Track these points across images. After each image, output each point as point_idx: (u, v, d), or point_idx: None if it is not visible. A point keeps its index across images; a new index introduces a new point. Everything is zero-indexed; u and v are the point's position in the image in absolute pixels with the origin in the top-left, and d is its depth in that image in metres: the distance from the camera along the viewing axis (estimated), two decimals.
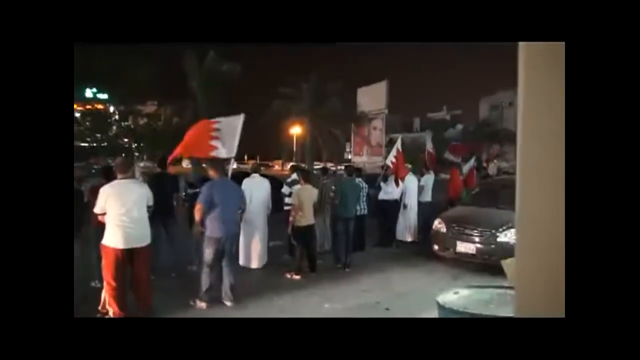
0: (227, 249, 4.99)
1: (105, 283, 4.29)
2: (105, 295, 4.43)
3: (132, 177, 4.69)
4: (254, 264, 6.56)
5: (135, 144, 21.94)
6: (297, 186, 6.60)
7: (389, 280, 6.30)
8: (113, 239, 4.19)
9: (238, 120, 5.73)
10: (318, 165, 16.00)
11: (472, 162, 11.51)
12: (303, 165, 17.56)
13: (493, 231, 6.46)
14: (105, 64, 17.85)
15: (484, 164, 15.01)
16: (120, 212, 4.19)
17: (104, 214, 4.23)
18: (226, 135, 5.65)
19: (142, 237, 4.34)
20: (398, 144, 8.95)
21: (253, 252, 6.55)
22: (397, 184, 8.36)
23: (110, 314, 4.33)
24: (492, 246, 6.34)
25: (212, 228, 4.85)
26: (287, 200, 7.04)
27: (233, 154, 5.69)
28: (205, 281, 4.87)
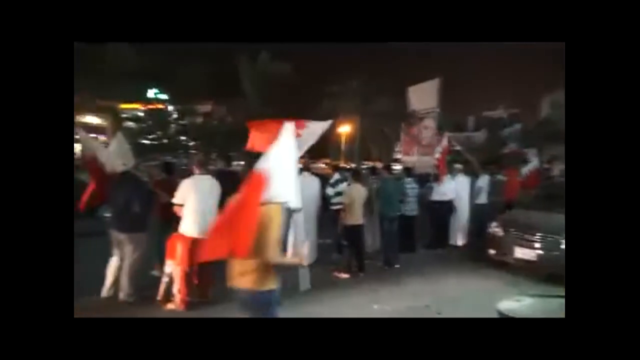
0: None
1: (179, 270, 4.58)
2: (164, 285, 4.73)
3: (207, 172, 4.96)
4: (304, 262, 6.59)
5: (193, 142, 22.91)
6: (342, 185, 6.59)
7: (440, 283, 6.11)
8: (189, 228, 4.54)
9: (324, 126, 5.57)
10: (366, 165, 15.84)
11: (535, 162, 10.79)
12: (349, 165, 17.48)
13: (556, 237, 6.05)
14: (165, 64, 18.80)
15: (546, 165, 14.13)
16: (197, 203, 4.53)
17: (181, 205, 4.58)
18: (306, 137, 5.41)
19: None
20: (444, 142, 8.88)
21: (303, 250, 6.57)
22: (438, 182, 8.20)
23: (176, 303, 4.58)
24: (555, 253, 5.94)
25: None
26: (333, 199, 7.03)
27: (299, 155, 5.56)
28: None
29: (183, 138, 23.24)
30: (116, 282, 4.89)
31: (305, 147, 5.31)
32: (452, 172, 8.69)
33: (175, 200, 4.65)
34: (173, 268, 4.72)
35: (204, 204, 4.55)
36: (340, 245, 6.69)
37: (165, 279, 4.80)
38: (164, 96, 29.84)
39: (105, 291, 4.85)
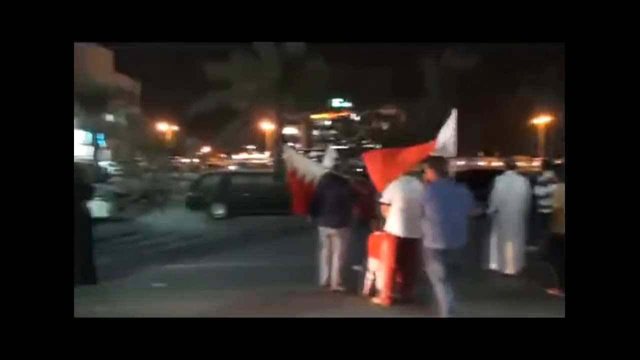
0: (450, 263, 4.00)
1: (385, 266, 4.81)
2: (369, 280, 4.99)
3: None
4: (509, 269, 6.05)
5: (379, 145, 23.72)
6: (554, 186, 5.67)
7: None
8: (396, 227, 4.74)
9: (451, 118, 5.11)
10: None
11: None
12: (557, 161, 15.07)
13: None
14: (348, 72, 19.90)
15: None
16: (403, 204, 4.70)
17: (388, 204, 4.81)
18: (442, 134, 5.16)
19: (417, 229, 4.49)
20: None
21: (507, 255, 6.06)
22: None
23: (381, 297, 4.77)
24: None
25: (434, 238, 3.98)
26: (542, 202, 6.15)
27: (452, 154, 5.01)
28: (442, 297, 4.01)
29: (368, 142, 24.33)
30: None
31: (452, 142, 4.90)
32: None
33: (382, 200, 4.87)
34: (377, 265, 4.92)
35: (410, 204, 4.62)
36: (553, 255, 5.79)
37: (370, 276, 5.04)
38: (348, 104, 31.73)
39: (323, 280, 5.35)
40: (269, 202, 11.47)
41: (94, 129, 24.75)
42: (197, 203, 11.90)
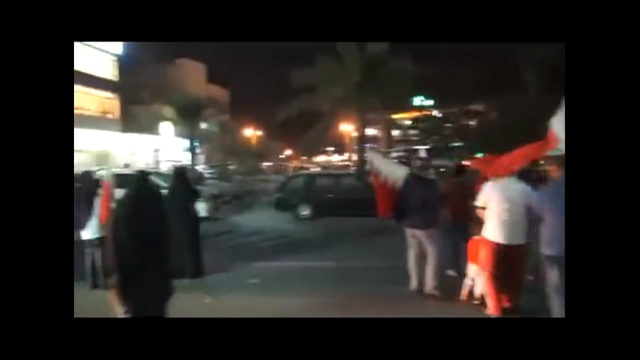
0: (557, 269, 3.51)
1: (484, 275, 4.49)
2: (467, 286, 4.77)
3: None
4: None
5: (466, 143, 22.65)
6: None
7: None
8: (494, 233, 4.34)
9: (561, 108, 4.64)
10: None
11: None
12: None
13: None
14: (434, 70, 19.26)
15: None
16: (501, 208, 4.30)
17: (483, 208, 4.47)
18: (557, 125, 4.62)
19: (521, 234, 4.29)
20: None
21: None
22: None
23: (490, 307, 4.38)
24: None
25: (550, 243, 3.56)
26: None
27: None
28: (561, 313, 3.42)
29: (455, 140, 23.31)
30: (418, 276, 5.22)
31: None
32: None
33: (477, 203, 4.58)
34: (477, 272, 4.67)
35: (511, 207, 4.27)
36: None
37: (468, 282, 4.81)
38: (429, 102, 30.68)
39: (413, 284, 5.20)
40: (352, 204, 11.57)
41: (191, 136, 27.01)
42: (284, 204, 12.35)
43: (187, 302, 2.87)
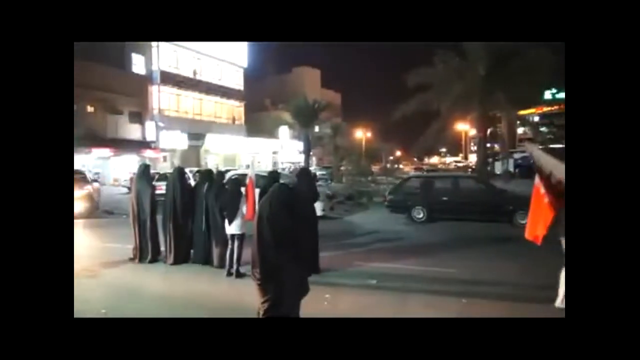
0: None
1: None
2: None
3: None
4: None
5: None
6: None
7: None
8: None
9: None
10: None
11: None
12: None
13: None
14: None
15: None
16: None
17: None
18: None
19: None
20: None
21: None
22: None
23: None
24: None
25: None
26: None
27: None
28: None
29: None
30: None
31: None
32: None
33: None
34: None
35: None
36: None
37: None
38: (561, 95, 27.42)
39: (559, 302, 4.58)
40: (471, 208, 10.85)
41: (306, 138, 28.29)
42: (398, 205, 12.11)
43: (307, 297, 2.93)
